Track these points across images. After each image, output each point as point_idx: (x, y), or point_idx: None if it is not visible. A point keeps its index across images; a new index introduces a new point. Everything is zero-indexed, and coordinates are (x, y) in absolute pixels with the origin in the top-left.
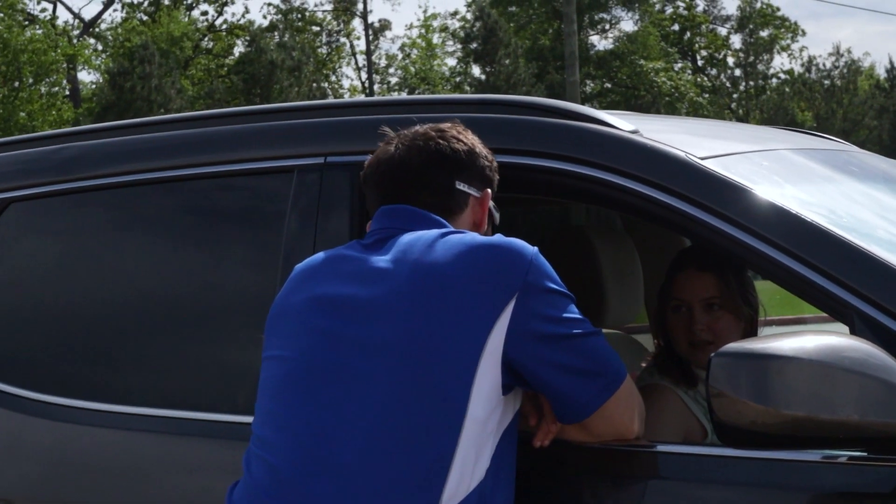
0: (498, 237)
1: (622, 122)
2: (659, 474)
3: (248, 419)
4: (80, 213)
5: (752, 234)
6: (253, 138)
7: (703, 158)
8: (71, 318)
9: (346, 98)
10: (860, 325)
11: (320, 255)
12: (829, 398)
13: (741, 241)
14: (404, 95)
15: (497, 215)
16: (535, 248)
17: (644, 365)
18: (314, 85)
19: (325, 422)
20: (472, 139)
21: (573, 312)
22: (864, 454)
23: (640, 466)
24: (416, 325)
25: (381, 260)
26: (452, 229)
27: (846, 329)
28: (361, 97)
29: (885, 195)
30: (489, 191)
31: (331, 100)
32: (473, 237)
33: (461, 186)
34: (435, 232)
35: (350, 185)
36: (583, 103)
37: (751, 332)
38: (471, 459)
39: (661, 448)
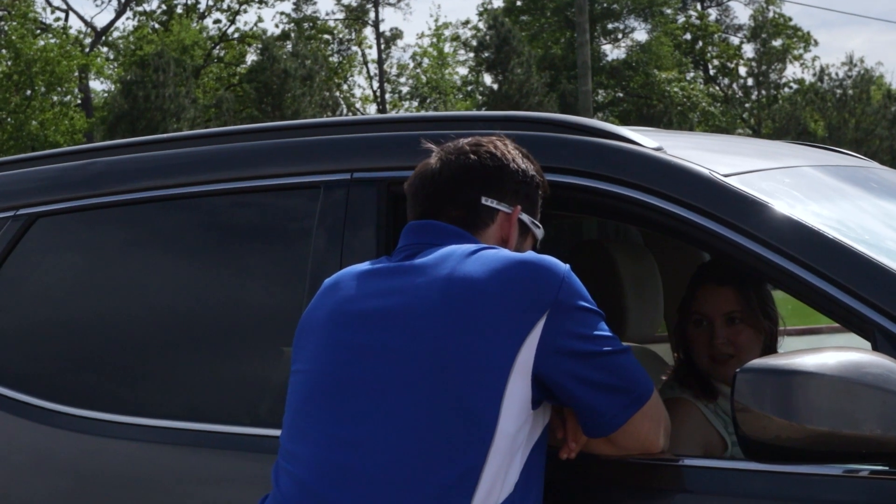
0: (530, 254)
1: (646, 140)
2: (684, 487)
3: (273, 432)
4: (107, 228)
5: (774, 250)
6: (280, 154)
7: (726, 175)
8: (98, 332)
9: (372, 114)
10: (882, 341)
11: (348, 269)
12: (852, 413)
13: (764, 257)
14: (431, 112)
15: (539, 231)
16: (568, 266)
17: (664, 378)
18: (326, 94)
19: (353, 434)
20: (511, 153)
21: (603, 330)
22: (886, 468)
23: (665, 480)
24: (446, 338)
25: (411, 274)
26: (484, 245)
27: (861, 340)
28: (391, 114)
29: None
30: (520, 207)
31: (356, 116)
32: (507, 254)
33: (488, 202)
34: (467, 247)
35: (376, 200)
36: (595, 113)
37: (771, 346)
38: (501, 473)
39: (687, 462)
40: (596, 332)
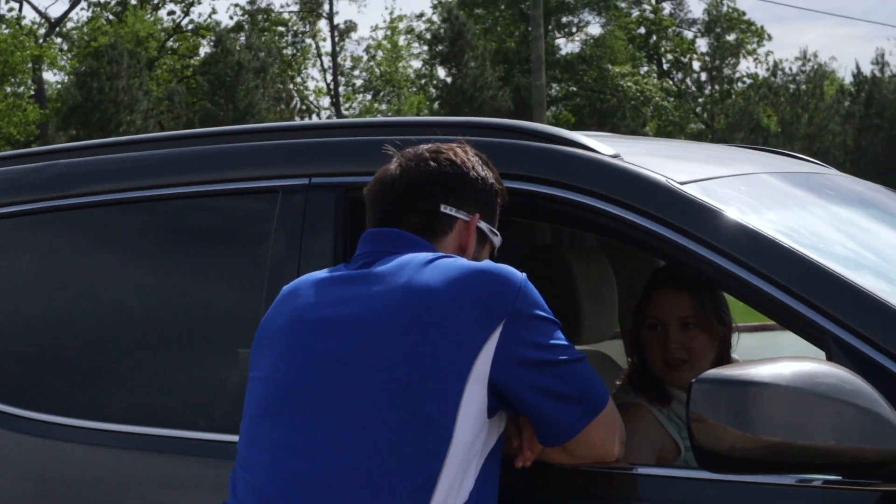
0: (487, 263)
1: (603, 146)
2: (639, 496)
3: (230, 437)
4: (66, 230)
5: (730, 259)
6: (239, 158)
7: (682, 183)
8: (56, 335)
9: (330, 119)
10: (836, 351)
11: (307, 276)
12: (806, 424)
13: (719, 265)
14: (389, 117)
15: (497, 239)
16: (524, 275)
17: (618, 383)
18: (280, 86)
19: (310, 442)
20: (470, 160)
21: (559, 339)
22: (839, 478)
23: (620, 488)
24: (403, 347)
25: (370, 282)
26: (441, 254)
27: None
28: (350, 119)
29: (861, 218)
30: (478, 215)
31: (315, 120)
32: (464, 262)
33: (446, 209)
34: (425, 256)
35: (335, 205)
36: (549, 107)
37: (725, 351)
38: (456, 481)
39: (641, 471)
40: (552, 341)
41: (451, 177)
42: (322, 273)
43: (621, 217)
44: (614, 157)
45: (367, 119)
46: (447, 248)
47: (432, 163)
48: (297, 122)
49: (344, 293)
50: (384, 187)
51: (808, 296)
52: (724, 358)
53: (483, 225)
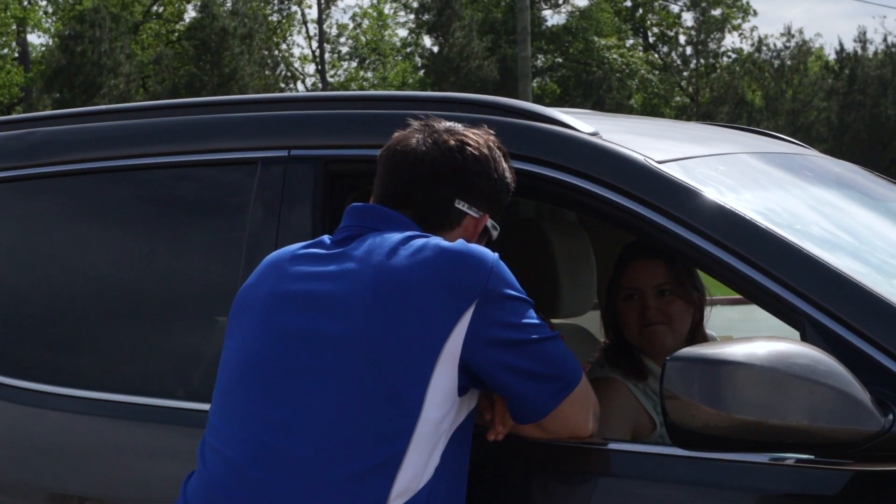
0: (460, 243)
1: (582, 124)
2: (610, 472)
3: (207, 406)
4: (45, 199)
5: (706, 238)
6: (219, 129)
7: (660, 162)
8: (35, 302)
9: (310, 92)
10: (811, 332)
11: (289, 248)
12: (779, 403)
13: (695, 244)
14: (371, 91)
15: (495, 233)
16: (496, 255)
17: (592, 359)
18: (265, 53)
19: (280, 416)
20: (494, 157)
21: (531, 318)
22: (812, 457)
23: (591, 463)
24: (374, 325)
25: (346, 259)
26: (418, 233)
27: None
28: (330, 92)
29: (838, 200)
30: (487, 216)
31: (295, 93)
32: (438, 242)
33: (460, 205)
34: (400, 235)
35: (314, 178)
36: (534, 78)
37: (700, 318)
38: (423, 458)
39: (613, 446)
40: (524, 321)
41: (474, 175)
42: (302, 245)
43: (599, 195)
44: (593, 134)
45: (348, 92)
46: (448, 238)
47: (458, 155)
48: (278, 94)
49: (321, 270)
50: (403, 163)
51: (783, 276)
52: (699, 325)
53: (489, 223)
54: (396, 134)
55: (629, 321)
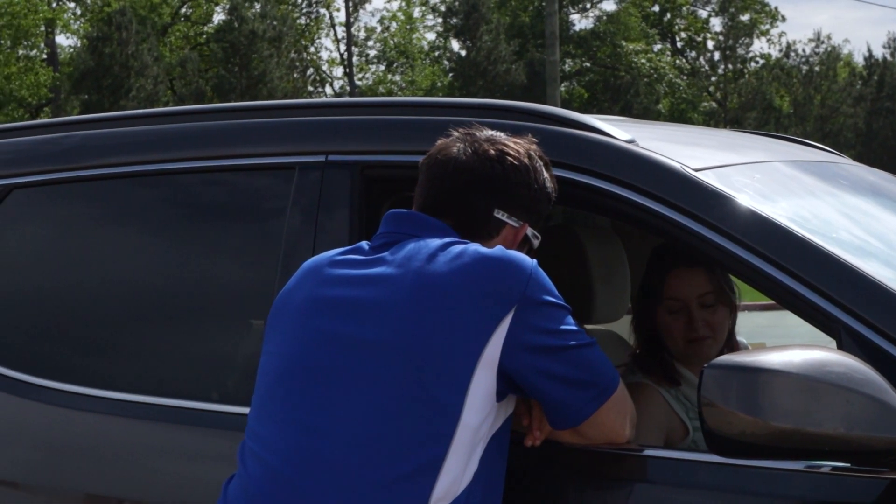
0: (499, 249)
1: (619, 132)
2: (646, 478)
3: (242, 409)
4: (83, 202)
5: (742, 245)
6: (256, 134)
7: (697, 170)
8: (71, 305)
9: (348, 98)
10: (847, 340)
11: (327, 254)
12: (816, 411)
13: (731, 252)
14: (408, 98)
15: (536, 242)
16: (534, 262)
17: (625, 363)
18: (294, 56)
19: (320, 421)
20: (535, 167)
21: (569, 324)
22: (848, 465)
23: (628, 469)
24: (414, 331)
25: (385, 265)
26: (457, 239)
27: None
28: (368, 98)
29: (873, 208)
30: (527, 225)
31: (333, 98)
32: (476, 248)
33: (500, 215)
34: (439, 241)
35: (351, 184)
36: (562, 82)
37: (734, 322)
38: (462, 463)
39: (649, 452)
40: (562, 327)
41: (513, 185)
42: (341, 251)
43: (636, 202)
44: (630, 142)
45: (386, 98)
46: (487, 247)
47: (497, 165)
48: (315, 99)
49: (361, 274)
50: (443, 171)
51: (819, 284)
52: (732, 330)
53: (529, 231)
54: (438, 142)
55: (673, 333)
